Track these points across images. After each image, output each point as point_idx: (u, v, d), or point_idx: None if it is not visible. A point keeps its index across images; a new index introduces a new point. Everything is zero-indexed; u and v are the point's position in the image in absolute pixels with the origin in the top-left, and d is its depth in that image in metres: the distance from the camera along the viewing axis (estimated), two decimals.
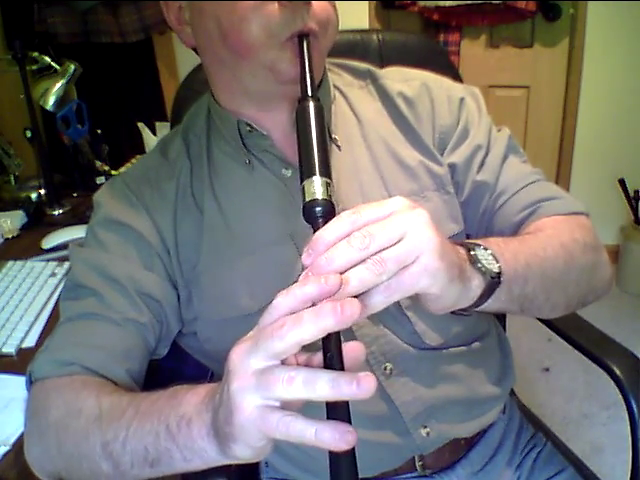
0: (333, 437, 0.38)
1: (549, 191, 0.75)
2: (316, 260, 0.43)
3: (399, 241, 0.44)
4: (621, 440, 1.68)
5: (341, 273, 0.43)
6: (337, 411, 0.41)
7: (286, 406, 0.41)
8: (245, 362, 0.41)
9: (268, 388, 0.40)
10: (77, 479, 0.59)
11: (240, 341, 0.43)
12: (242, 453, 0.44)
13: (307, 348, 0.42)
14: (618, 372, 0.81)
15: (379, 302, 0.44)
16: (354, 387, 0.38)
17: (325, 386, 0.39)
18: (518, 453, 0.83)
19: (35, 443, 0.62)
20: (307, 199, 0.48)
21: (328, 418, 0.41)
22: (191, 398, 0.50)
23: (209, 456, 0.47)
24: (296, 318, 0.39)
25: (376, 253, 0.43)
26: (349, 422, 0.41)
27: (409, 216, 0.45)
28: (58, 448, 0.59)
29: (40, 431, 0.61)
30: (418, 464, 0.75)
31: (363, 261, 0.43)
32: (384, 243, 0.44)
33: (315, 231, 0.46)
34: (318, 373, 0.39)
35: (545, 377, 2.02)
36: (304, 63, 0.59)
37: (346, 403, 0.42)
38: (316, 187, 0.48)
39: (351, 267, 0.43)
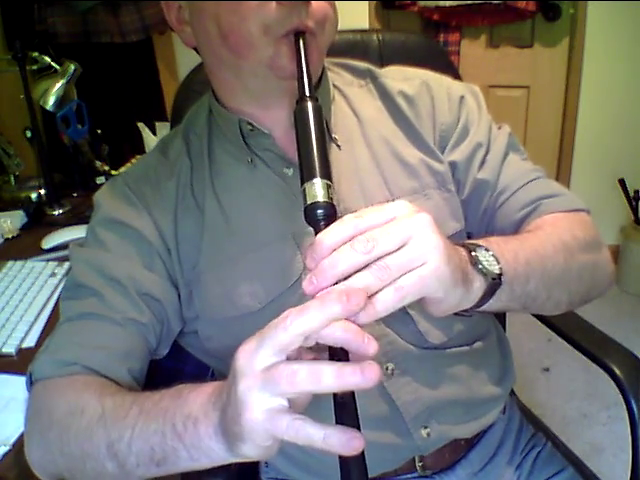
0: (341, 442, 0.39)
1: (550, 188, 0.75)
2: (319, 264, 0.43)
3: (403, 246, 0.44)
4: (621, 440, 1.68)
5: (345, 279, 0.43)
6: (345, 416, 0.42)
7: (293, 404, 0.41)
8: (251, 361, 0.42)
9: (274, 384, 0.40)
10: (80, 479, 0.59)
11: (247, 340, 0.43)
12: (250, 452, 0.44)
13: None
14: (618, 372, 0.81)
15: (388, 305, 0.44)
16: (358, 376, 0.39)
17: (329, 377, 0.39)
18: (518, 453, 0.83)
19: (36, 444, 0.62)
20: (308, 201, 0.48)
21: (336, 422, 0.41)
22: (196, 397, 0.49)
23: (217, 454, 0.48)
24: (301, 308, 0.40)
25: (380, 258, 0.43)
26: (357, 426, 0.41)
27: (412, 221, 0.45)
28: (60, 449, 0.58)
29: (41, 432, 0.61)
30: (418, 465, 0.75)
31: (367, 266, 0.43)
32: (388, 248, 0.44)
33: (317, 233, 0.46)
34: (321, 365, 0.40)
35: (545, 377, 2.02)
36: (301, 61, 0.59)
37: (354, 407, 0.42)
38: (317, 189, 0.48)
39: (354, 272, 0.43)
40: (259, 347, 0.41)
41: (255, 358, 0.41)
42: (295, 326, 0.39)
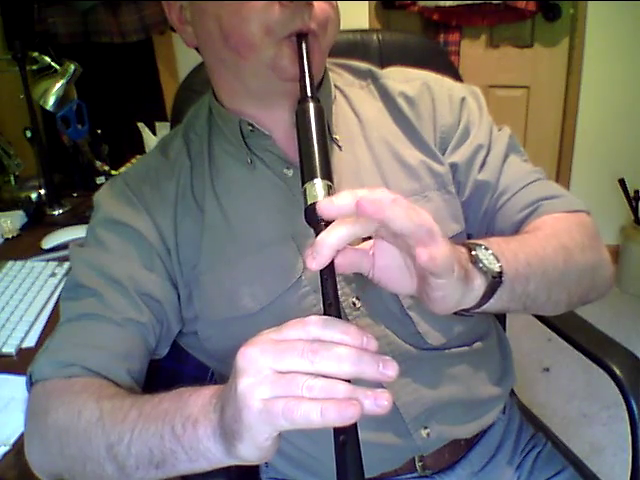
0: (338, 412, 0.39)
1: (550, 190, 0.74)
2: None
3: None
4: (621, 440, 1.68)
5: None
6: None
7: None
8: (260, 362, 0.42)
9: (284, 390, 0.40)
10: None
11: (254, 341, 0.44)
12: (248, 453, 0.44)
13: None
14: (618, 372, 0.81)
15: (399, 217, 0.43)
16: (371, 401, 0.40)
17: (342, 392, 0.40)
18: (518, 453, 0.83)
19: (36, 445, 0.62)
20: (309, 202, 0.48)
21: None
22: (197, 399, 0.50)
23: (214, 457, 0.48)
24: (336, 355, 0.41)
25: None
26: (355, 428, 0.42)
27: None
28: (60, 450, 0.59)
29: (41, 433, 0.61)
30: (418, 465, 0.75)
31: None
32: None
33: (317, 234, 0.46)
34: (337, 385, 0.40)
35: (545, 377, 2.02)
36: (303, 63, 0.59)
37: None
38: (317, 190, 0.48)
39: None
40: (273, 356, 0.42)
41: (265, 362, 0.42)
42: (322, 366, 0.41)
